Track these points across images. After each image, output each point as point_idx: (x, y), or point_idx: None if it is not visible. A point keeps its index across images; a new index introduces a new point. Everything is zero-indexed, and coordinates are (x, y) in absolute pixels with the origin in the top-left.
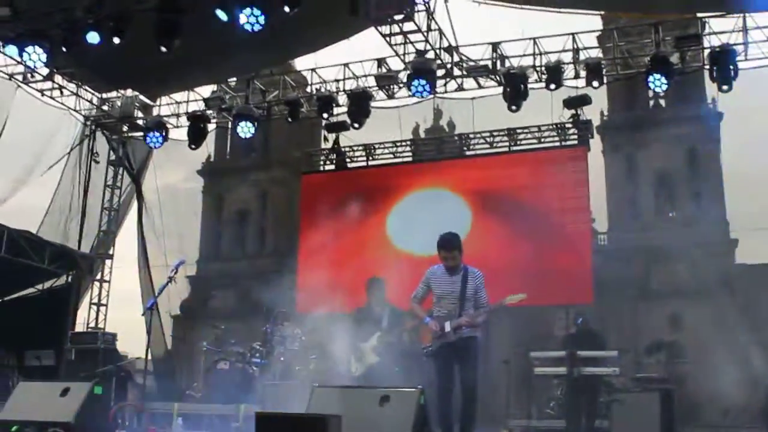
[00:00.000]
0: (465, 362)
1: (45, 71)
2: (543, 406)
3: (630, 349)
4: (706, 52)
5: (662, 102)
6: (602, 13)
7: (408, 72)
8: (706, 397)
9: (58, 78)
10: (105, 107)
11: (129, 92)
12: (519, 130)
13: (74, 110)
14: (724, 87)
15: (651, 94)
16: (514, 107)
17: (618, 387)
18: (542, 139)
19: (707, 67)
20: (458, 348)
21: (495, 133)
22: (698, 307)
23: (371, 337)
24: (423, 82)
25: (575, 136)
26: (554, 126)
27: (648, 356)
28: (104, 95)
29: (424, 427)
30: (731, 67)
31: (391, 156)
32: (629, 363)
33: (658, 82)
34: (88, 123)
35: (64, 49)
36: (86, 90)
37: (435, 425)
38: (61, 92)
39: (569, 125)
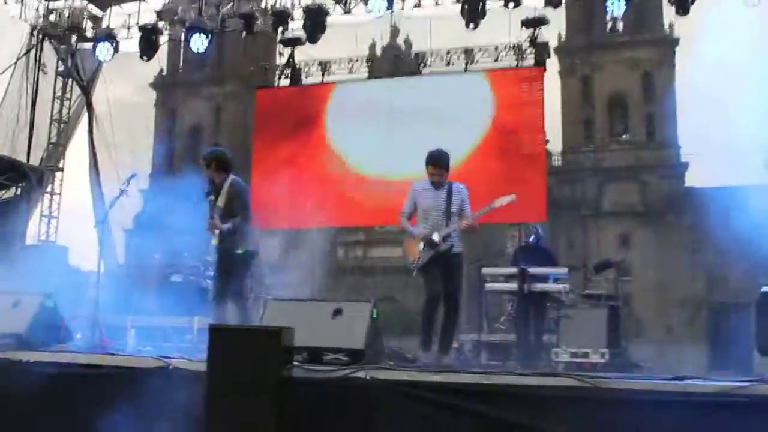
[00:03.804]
0: (450, 275)
1: None
2: (493, 321)
3: (580, 266)
4: None
5: (619, 26)
6: None
7: None
8: (651, 314)
9: None
10: (52, 17)
11: (77, 2)
12: (476, 50)
13: (20, 18)
14: (681, 11)
15: (609, 17)
16: (471, 25)
17: (567, 303)
18: (499, 59)
19: None
20: (445, 261)
21: (452, 52)
22: (647, 227)
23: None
24: None
25: (532, 57)
26: (512, 46)
27: (596, 274)
28: (51, 4)
29: (376, 339)
30: None
31: (347, 72)
32: (578, 280)
33: (617, 4)
34: (35, 33)
35: None
36: None
37: (418, 334)
38: (5, 1)
39: (526, 46)
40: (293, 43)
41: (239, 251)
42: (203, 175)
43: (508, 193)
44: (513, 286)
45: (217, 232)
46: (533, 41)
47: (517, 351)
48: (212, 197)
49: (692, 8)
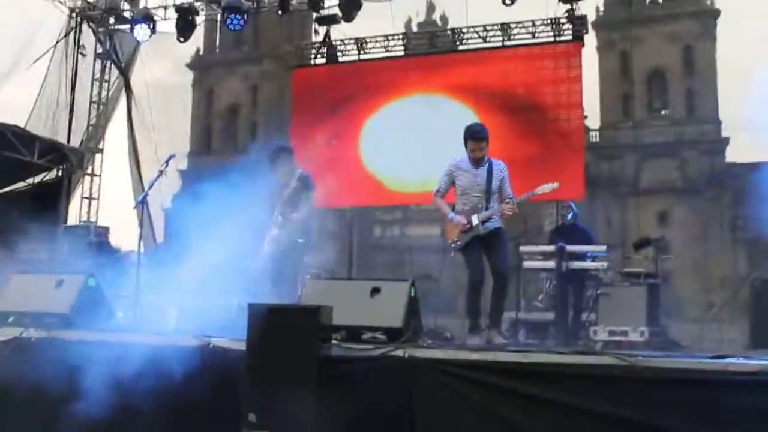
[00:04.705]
0: (495, 252)
1: None
2: (531, 298)
3: (618, 244)
4: None
5: None
6: None
7: None
8: (691, 293)
9: None
10: None
11: None
12: (513, 25)
13: (58, 1)
14: None
15: None
16: (508, 1)
17: (605, 281)
18: (536, 35)
19: None
20: (487, 240)
21: (488, 28)
22: (687, 204)
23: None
24: None
25: (569, 32)
26: (549, 21)
27: (635, 252)
28: None
29: (414, 317)
30: None
31: (383, 50)
32: (617, 258)
33: None
34: (74, 15)
35: None
36: None
37: (463, 316)
38: None
39: (564, 20)
40: (329, 21)
41: (301, 240)
42: (272, 170)
43: (552, 182)
44: (551, 264)
45: (280, 219)
46: (571, 16)
47: (555, 329)
48: (288, 189)
49: None
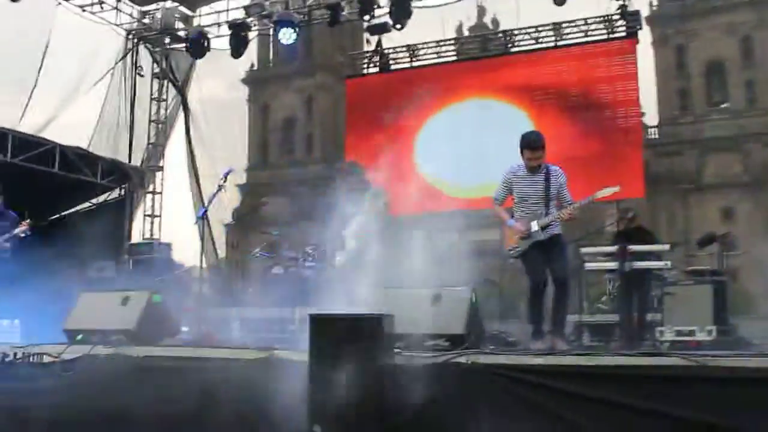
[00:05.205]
0: (555, 258)
1: None
2: (594, 300)
3: (682, 242)
4: None
5: None
6: None
7: None
8: (760, 289)
9: None
10: (146, 20)
11: (168, 3)
12: (565, 24)
13: (116, 24)
14: None
15: None
16: (559, 0)
17: (670, 280)
18: (589, 33)
19: None
20: (546, 246)
21: (540, 29)
22: (751, 199)
23: (351, 221)
24: None
25: (623, 28)
26: (601, 18)
27: (700, 249)
28: (144, 8)
29: (476, 323)
30: None
31: (435, 56)
32: (681, 256)
33: None
34: (130, 37)
35: None
36: (126, 3)
37: (526, 321)
38: (101, 7)
39: (617, 17)
40: (380, 30)
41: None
42: (345, 185)
43: (612, 183)
44: (613, 264)
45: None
46: (623, 12)
47: (620, 331)
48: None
49: None
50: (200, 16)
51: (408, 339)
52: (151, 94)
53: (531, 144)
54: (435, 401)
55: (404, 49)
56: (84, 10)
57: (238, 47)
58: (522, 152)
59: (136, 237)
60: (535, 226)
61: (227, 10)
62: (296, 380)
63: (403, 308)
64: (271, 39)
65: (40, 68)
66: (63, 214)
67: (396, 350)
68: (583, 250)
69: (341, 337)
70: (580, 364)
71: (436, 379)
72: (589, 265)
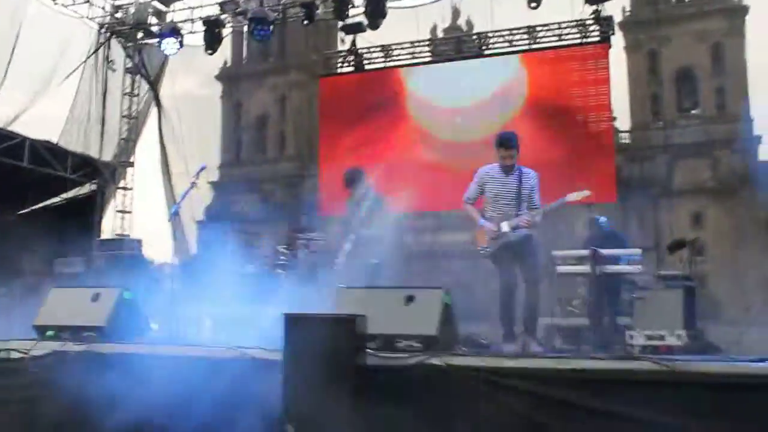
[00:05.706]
0: (525, 260)
1: None
2: (566, 304)
3: (652, 246)
4: None
5: None
6: None
7: None
8: (727, 295)
9: None
10: (118, 14)
11: None
12: (539, 28)
13: (88, 18)
14: None
15: None
16: (533, 4)
17: (640, 285)
18: (563, 37)
19: None
20: (517, 247)
21: (514, 32)
22: (720, 205)
23: (348, 236)
24: None
25: (596, 33)
26: (575, 23)
27: (670, 254)
28: (117, 2)
29: (449, 325)
30: None
31: (409, 56)
32: (652, 261)
33: None
34: (103, 31)
35: None
36: None
37: (498, 323)
38: (74, 0)
39: (590, 22)
40: (354, 29)
41: (375, 261)
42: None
43: (582, 189)
44: (585, 268)
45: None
46: (597, 17)
47: (591, 335)
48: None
49: None
50: (174, 11)
51: (381, 339)
52: (123, 89)
53: (505, 143)
54: (409, 402)
55: (378, 49)
56: (56, 3)
57: (211, 43)
58: (497, 150)
59: (106, 233)
60: (505, 226)
61: (201, 6)
62: (269, 379)
63: (375, 308)
64: (245, 36)
65: (10, 61)
66: (32, 208)
67: (369, 350)
68: (555, 253)
69: (315, 336)
70: (553, 367)
71: (409, 380)
72: (560, 269)
